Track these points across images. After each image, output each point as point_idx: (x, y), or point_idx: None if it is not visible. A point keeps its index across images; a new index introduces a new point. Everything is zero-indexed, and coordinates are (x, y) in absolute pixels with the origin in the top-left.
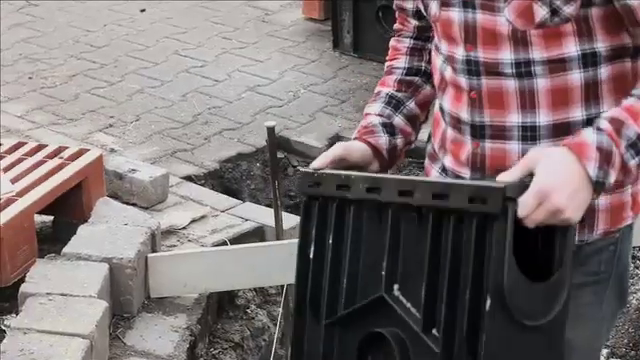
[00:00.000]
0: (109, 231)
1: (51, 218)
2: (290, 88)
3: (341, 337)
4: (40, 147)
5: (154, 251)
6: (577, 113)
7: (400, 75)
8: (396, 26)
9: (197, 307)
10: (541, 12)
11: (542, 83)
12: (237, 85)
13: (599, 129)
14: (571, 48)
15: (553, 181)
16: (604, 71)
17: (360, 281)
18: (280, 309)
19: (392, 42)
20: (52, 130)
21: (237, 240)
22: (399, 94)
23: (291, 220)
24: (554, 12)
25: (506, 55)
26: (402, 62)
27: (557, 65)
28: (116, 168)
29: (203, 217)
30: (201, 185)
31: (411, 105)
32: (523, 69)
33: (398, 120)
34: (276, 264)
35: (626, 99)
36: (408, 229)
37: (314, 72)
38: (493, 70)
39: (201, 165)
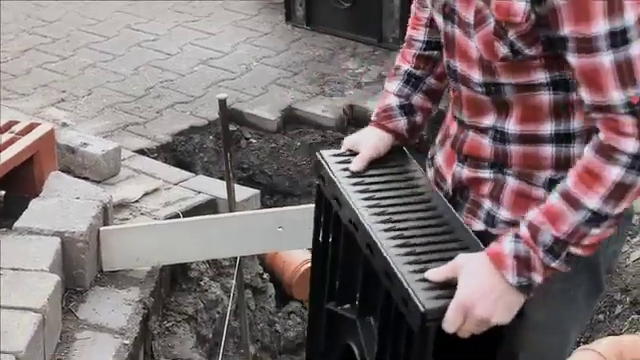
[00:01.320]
0: (61, 205)
1: (2, 193)
2: (243, 61)
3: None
4: None
5: (106, 225)
6: (546, 127)
7: (419, 50)
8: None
9: (150, 280)
10: (502, 50)
11: (512, 99)
12: (189, 58)
13: (517, 236)
14: (540, 75)
15: (473, 294)
16: (577, 93)
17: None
18: (233, 281)
19: (413, 8)
20: (4, 105)
21: (190, 213)
22: (418, 71)
23: (244, 192)
24: (516, 53)
25: (476, 75)
26: (422, 34)
27: (526, 87)
28: (68, 142)
29: (156, 190)
30: (154, 158)
31: (430, 81)
32: (492, 88)
33: (417, 98)
34: (229, 236)
35: (553, 193)
36: None
37: (267, 45)
38: (467, 83)
39: (153, 138)
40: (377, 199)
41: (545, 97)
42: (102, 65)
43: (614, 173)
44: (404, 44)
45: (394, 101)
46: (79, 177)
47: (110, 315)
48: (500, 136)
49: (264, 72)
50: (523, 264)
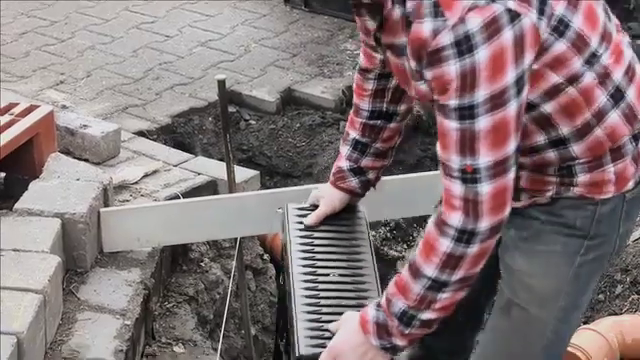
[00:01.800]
0: (61, 186)
1: (2, 175)
2: (241, 42)
3: None
4: None
5: (106, 206)
6: (539, 138)
7: (365, 119)
8: (361, 63)
9: (151, 261)
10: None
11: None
12: (188, 40)
13: (378, 305)
14: None
15: (343, 345)
16: (549, 106)
17: None
18: (234, 262)
19: (357, 79)
20: (2, 88)
21: (190, 194)
22: (364, 139)
23: (243, 173)
24: None
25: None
26: (366, 104)
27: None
28: (67, 124)
29: (155, 172)
30: (153, 140)
31: (377, 145)
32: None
33: (366, 161)
34: (229, 217)
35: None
36: None
37: (265, 26)
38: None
39: (153, 120)
40: (314, 252)
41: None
42: (101, 47)
43: (444, 245)
44: (352, 109)
45: (345, 164)
46: (79, 159)
47: (111, 296)
48: None
49: (263, 54)
50: (383, 330)
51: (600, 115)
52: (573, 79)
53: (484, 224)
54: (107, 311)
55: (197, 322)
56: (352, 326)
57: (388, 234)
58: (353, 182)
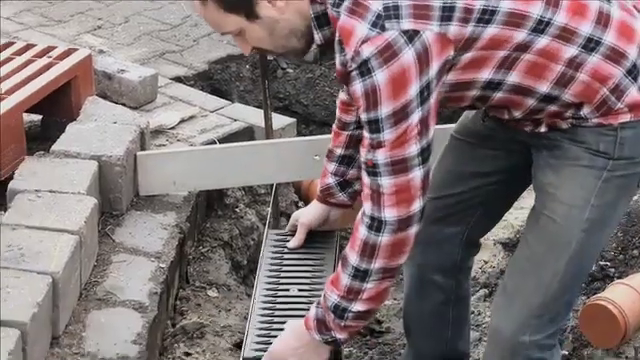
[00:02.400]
0: (98, 129)
1: (40, 117)
2: None
3: None
4: (29, 47)
5: (143, 149)
6: (530, 102)
7: (350, 130)
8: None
9: (186, 205)
10: None
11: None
12: None
13: (318, 304)
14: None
15: (280, 349)
16: (512, 77)
17: None
18: (269, 209)
19: (340, 95)
20: (40, 32)
21: (226, 140)
22: (349, 151)
23: (280, 121)
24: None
25: None
26: (351, 117)
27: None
28: (105, 68)
29: (192, 117)
30: (190, 86)
31: None
32: None
33: (352, 172)
34: (265, 163)
35: None
36: None
37: None
38: None
39: (190, 66)
40: (281, 271)
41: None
42: None
43: (361, 232)
44: (336, 123)
45: (332, 180)
46: (116, 103)
47: (146, 239)
48: None
49: None
50: (322, 325)
51: (575, 64)
52: (521, 48)
53: (389, 215)
54: (142, 254)
55: (231, 267)
56: (292, 329)
57: None
58: (342, 196)
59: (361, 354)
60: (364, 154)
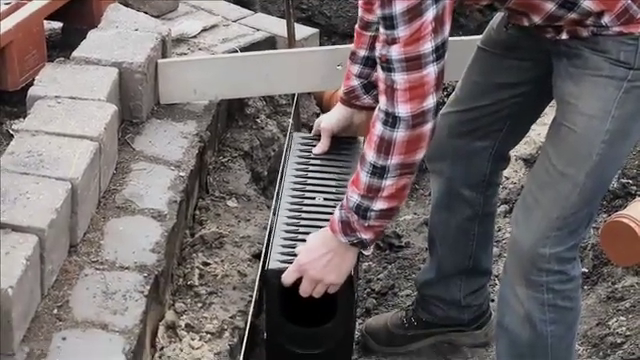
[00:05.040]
0: (119, 36)
1: (60, 25)
2: None
3: None
4: None
5: (164, 57)
6: (549, 6)
7: (374, 31)
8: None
9: (207, 114)
10: None
11: None
12: None
13: (341, 206)
14: None
15: (307, 259)
16: None
17: None
18: (290, 120)
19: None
20: None
21: (248, 49)
22: (374, 53)
23: (303, 31)
24: None
25: None
26: (374, 16)
27: None
28: None
29: (214, 26)
30: None
31: None
32: None
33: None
34: (287, 72)
35: None
36: None
37: None
38: None
39: None
40: (307, 178)
41: None
42: None
43: (377, 128)
44: (358, 23)
45: (356, 82)
46: (138, 11)
47: (166, 147)
48: None
49: None
50: (347, 226)
51: None
52: None
53: (402, 110)
54: (162, 162)
55: (251, 178)
56: (320, 235)
57: (446, 99)
58: (366, 98)
59: (380, 268)
60: (379, 49)
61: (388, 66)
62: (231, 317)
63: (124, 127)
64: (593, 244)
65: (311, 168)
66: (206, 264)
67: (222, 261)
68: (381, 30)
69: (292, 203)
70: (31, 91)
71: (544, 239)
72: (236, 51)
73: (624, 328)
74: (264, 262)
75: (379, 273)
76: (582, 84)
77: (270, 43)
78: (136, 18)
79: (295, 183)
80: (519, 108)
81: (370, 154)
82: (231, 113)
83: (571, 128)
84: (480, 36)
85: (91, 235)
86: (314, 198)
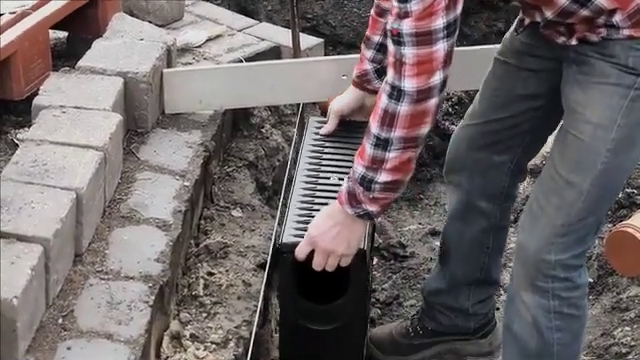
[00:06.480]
0: (124, 46)
1: (66, 34)
2: None
3: None
4: None
5: (170, 67)
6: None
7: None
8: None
9: (212, 124)
10: None
11: None
12: None
13: (349, 178)
14: None
15: (317, 231)
16: None
17: None
18: (295, 130)
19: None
20: None
21: (253, 59)
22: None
23: (308, 41)
24: None
25: None
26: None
27: None
28: None
29: (219, 36)
30: (217, 5)
31: None
32: None
33: None
34: (292, 83)
35: None
36: None
37: None
38: None
39: None
40: (322, 159)
41: None
42: None
43: (382, 101)
44: (374, 9)
45: (369, 67)
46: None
47: (171, 157)
48: None
49: None
50: (353, 198)
51: None
52: None
53: (408, 84)
54: (167, 172)
55: (256, 188)
56: (329, 208)
57: (450, 109)
58: (378, 83)
59: (384, 278)
60: (390, 22)
61: (398, 40)
62: (236, 327)
63: (129, 137)
64: (598, 254)
65: (327, 149)
66: (211, 274)
67: (227, 271)
68: (394, 3)
69: (307, 181)
70: (36, 100)
71: (548, 245)
72: (241, 61)
73: (629, 338)
74: (275, 241)
75: (384, 283)
76: (589, 92)
77: (275, 53)
78: (141, 28)
79: (310, 164)
80: (538, 122)
81: (374, 126)
82: (236, 123)
83: (577, 136)
84: (483, 46)
85: (96, 245)
86: (329, 178)
